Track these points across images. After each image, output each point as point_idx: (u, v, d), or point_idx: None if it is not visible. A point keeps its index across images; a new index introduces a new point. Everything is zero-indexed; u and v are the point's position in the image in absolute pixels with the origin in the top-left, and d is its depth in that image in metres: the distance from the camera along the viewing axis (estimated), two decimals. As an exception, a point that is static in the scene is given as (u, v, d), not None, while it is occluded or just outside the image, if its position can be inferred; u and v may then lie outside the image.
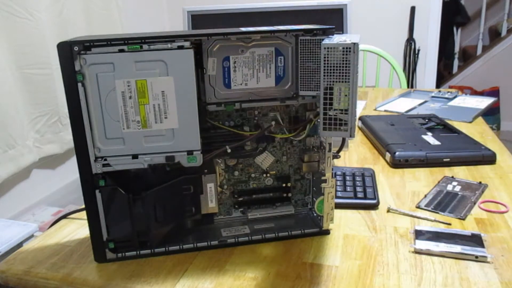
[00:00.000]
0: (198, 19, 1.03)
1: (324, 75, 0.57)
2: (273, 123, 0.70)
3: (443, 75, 3.73)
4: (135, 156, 0.62)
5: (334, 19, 0.99)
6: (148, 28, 2.73)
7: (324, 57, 0.56)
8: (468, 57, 3.79)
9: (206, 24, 1.03)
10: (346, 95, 0.57)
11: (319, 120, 0.67)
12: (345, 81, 0.56)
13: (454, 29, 3.60)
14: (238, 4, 1.05)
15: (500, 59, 3.46)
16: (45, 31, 1.84)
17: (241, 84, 0.67)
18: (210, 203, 0.70)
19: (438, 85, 3.15)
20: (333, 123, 0.58)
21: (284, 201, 0.78)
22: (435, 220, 0.75)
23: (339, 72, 0.56)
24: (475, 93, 3.40)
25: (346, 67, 0.56)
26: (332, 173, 0.69)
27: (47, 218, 1.79)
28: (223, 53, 0.64)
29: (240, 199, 0.76)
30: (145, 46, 0.58)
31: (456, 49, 3.67)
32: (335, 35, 0.62)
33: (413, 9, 2.54)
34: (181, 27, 1.12)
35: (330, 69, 0.57)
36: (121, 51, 0.58)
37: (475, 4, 3.74)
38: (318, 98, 0.68)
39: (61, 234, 0.76)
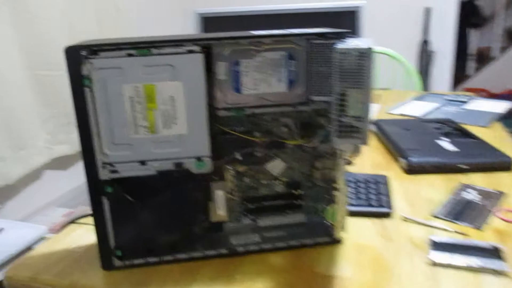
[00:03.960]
0: (209, 21, 1.02)
1: (337, 81, 0.55)
2: (284, 129, 0.68)
3: (458, 77, 3.67)
4: (143, 162, 0.61)
5: (348, 22, 0.97)
6: (161, 30, 2.73)
7: (338, 62, 0.54)
8: (483, 58, 3.73)
9: (218, 27, 1.02)
10: (360, 102, 0.55)
11: (331, 126, 0.66)
12: (359, 87, 0.54)
13: (469, 30, 3.54)
14: (250, 6, 1.04)
15: (517, 61, 3.39)
16: (55, 32, 1.84)
17: (251, 89, 0.65)
18: (220, 211, 0.68)
19: (452, 87, 3.10)
20: (347, 130, 0.57)
21: (295, 209, 0.76)
22: (451, 230, 0.73)
23: (353, 78, 0.54)
24: (490, 95, 3.34)
25: (360, 72, 0.54)
26: (345, 180, 0.67)
27: (58, 219, 1.79)
28: (234, 57, 0.63)
29: (250, 206, 0.74)
30: (153, 50, 0.57)
31: (471, 50, 3.61)
32: (348, 39, 0.60)
33: (428, 10, 2.50)
34: (194, 29, 1.11)
35: (344, 75, 0.55)
36: (130, 55, 0.57)
37: (490, 5, 3.68)
38: (330, 103, 0.67)
39: (69, 239, 0.75)
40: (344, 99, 0.55)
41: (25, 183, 1.86)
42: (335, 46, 0.55)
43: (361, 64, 0.53)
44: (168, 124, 0.60)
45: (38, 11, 1.76)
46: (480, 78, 3.56)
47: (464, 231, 0.72)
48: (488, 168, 0.96)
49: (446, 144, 1.05)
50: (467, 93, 1.67)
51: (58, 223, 1.75)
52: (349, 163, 0.69)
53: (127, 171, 0.61)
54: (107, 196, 0.62)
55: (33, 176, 1.89)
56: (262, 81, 0.65)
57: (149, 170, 0.61)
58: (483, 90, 3.41)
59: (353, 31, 0.98)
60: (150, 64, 0.57)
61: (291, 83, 0.66)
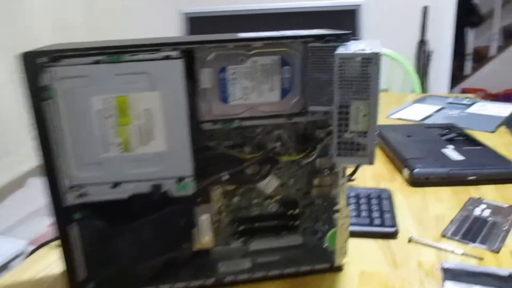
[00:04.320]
0: (196, 22, 0.94)
1: (338, 91, 0.47)
2: (278, 143, 0.60)
3: (455, 77, 3.61)
4: (116, 184, 0.53)
5: (347, 21, 0.89)
6: (156, 30, 2.64)
7: (339, 70, 0.47)
8: (481, 58, 3.67)
9: (206, 28, 0.94)
10: (365, 115, 0.48)
11: (331, 142, 0.58)
12: (364, 98, 0.47)
13: (467, 29, 3.48)
14: (241, 5, 0.96)
15: (515, 61, 3.34)
16: (41, 34, 1.76)
17: (240, 99, 0.57)
18: (205, 238, 0.60)
19: (450, 87, 3.04)
20: (349, 148, 0.49)
21: (290, 230, 0.68)
22: (464, 254, 0.65)
23: (357, 88, 0.47)
24: (489, 95, 3.29)
25: (365, 81, 0.46)
26: (347, 199, 0.60)
27: (43, 230, 1.71)
28: (220, 63, 0.55)
29: (241, 228, 0.66)
30: (125, 56, 0.49)
31: (469, 50, 3.55)
32: (351, 42, 0.53)
33: (425, 9, 2.43)
34: (181, 31, 1.03)
35: (346, 84, 0.47)
36: (97, 62, 0.49)
37: (488, 4, 3.62)
38: (330, 114, 0.59)
39: (38, 266, 0.67)
40: (346, 111, 0.48)
41: (9, 191, 1.78)
42: (336, 52, 0.47)
43: (366, 72, 0.46)
44: (144, 141, 0.52)
45: (22, 10, 1.68)
46: (478, 78, 3.51)
47: (480, 254, 0.65)
48: (497, 179, 0.89)
49: (451, 152, 0.98)
50: (469, 95, 1.60)
51: (42, 233, 1.66)
52: (350, 180, 0.61)
53: (98, 194, 0.53)
54: (75, 223, 0.54)
55: (18, 183, 1.81)
56: (252, 90, 0.57)
57: (123, 193, 0.54)
58: (481, 90, 3.35)
59: (353, 32, 0.90)
60: (122, 72, 0.50)
61: (285, 91, 0.58)
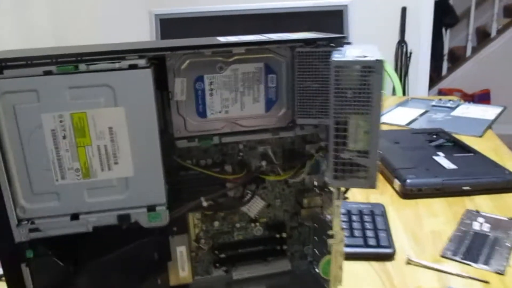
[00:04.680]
0: (169, 24, 0.86)
1: (336, 105, 0.41)
2: (263, 163, 0.53)
3: (432, 78, 3.62)
4: (75, 216, 0.45)
5: (331, 23, 0.83)
6: (127, 34, 2.53)
7: (335, 80, 0.40)
8: (456, 58, 3.69)
9: (179, 31, 0.86)
10: (365, 132, 0.41)
11: (322, 157, 0.52)
12: (365, 113, 0.40)
13: (443, 30, 3.49)
14: (219, 6, 0.89)
15: (490, 61, 3.36)
16: (5, 37, 1.65)
17: (220, 112, 0.50)
18: (182, 272, 0.53)
19: (428, 89, 3.03)
20: (347, 169, 0.42)
21: (278, 255, 0.62)
22: (468, 277, 0.60)
23: (357, 101, 0.40)
24: (465, 95, 3.30)
25: (366, 93, 0.40)
26: (341, 223, 0.53)
27: None
28: (195, 72, 0.48)
29: (222, 255, 0.59)
30: (82, 67, 0.41)
31: (445, 50, 3.56)
32: (345, 47, 0.46)
33: (404, 9, 2.41)
34: (153, 36, 0.95)
35: (343, 96, 0.41)
36: (48, 73, 0.41)
37: (462, 4, 3.64)
38: (321, 127, 0.53)
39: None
40: (344, 128, 0.41)
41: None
42: (331, 58, 0.40)
43: (367, 82, 0.39)
44: (107, 165, 0.44)
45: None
46: (454, 79, 3.52)
47: (484, 277, 0.60)
48: (493, 189, 0.84)
49: (443, 160, 0.93)
50: (452, 98, 1.57)
51: None
52: (344, 198, 0.55)
53: (53, 228, 0.45)
54: (27, 263, 0.46)
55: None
56: (233, 102, 0.50)
57: (84, 226, 0.45)
58: (458, 91, 3.36)
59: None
60: (78, 85, 0.42)
61: (270, 103, 0.51)
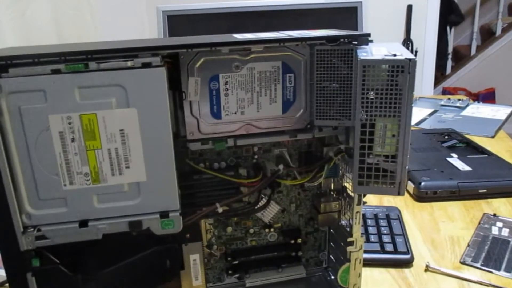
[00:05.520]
0: (177, 21, 0.84)
1: (362, 106, 0.38)
2: (280, 166, 0.50)
3: (436, 77, 3.59)
4: (83, 223, 0.43)
5: (344, 20, 0.81)
6: (127, 31, 2.50)
7: (362, 79, 0.38)
8: (460, 57, 3.66)
9: (189, 29, 0.83)
10: (393, 135, 0.39)
11: (341, 160, 0.49)
12: (393, 115, 0.38)
13: (448, 28, 3.46)
14: (228, 2, 0.86)
15: (495, 59, 3.33)
16: (4, 35, 1.62)
17: (235, 113, 0.48)
18: (195, 281, 0.50)
19: (433, 88, 3.01)
20: (373, 175, 0.40)
21: (292, 261, 0.59)
22: (490, 285, 0.57)
23: (385, 102, 0.38)
24: (470, 94, 3.27)
25: (395, 94, 0.37)
26: (360, 229, 0.51)
27: None
28: (210, 71, 0.45)
29: (235, 262, 0.57)
30: (92, 65, 0.39)
31: (450, 49, 3.53)
32: (370, 45, 0.43)
33: (409, 7, 2.38)
34: (161, 33, 0.92)
35: (371, 97, 0.38)
36: (56, 72, 0.38)
37: (466, 2, 3.61)
38: (340, 129, 0.50)
39: (-8, 314, 0.56)
40: (370, 131, 0.39)
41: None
42: (358, 56, 0.38)
43: (396, 82, 0.37)
44: (118, 169, 0.42)
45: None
46: (458, 77, 3.49)
47: (507, 285, 0.57)
48: (510, 192, 0.82)
49: (457, 162, 0.90)
50: (462, 97, 1.54)
51: None
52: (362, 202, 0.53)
53: (61, 236, 0.43)
54: (33, 272, 0.43)
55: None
56: (249, 102, 0.47)
57: (93, 233, 0.43)
58: (462, 90, 3.33)
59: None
60: (88, 85, 0.39)
61: (288, 104, 0.49)
